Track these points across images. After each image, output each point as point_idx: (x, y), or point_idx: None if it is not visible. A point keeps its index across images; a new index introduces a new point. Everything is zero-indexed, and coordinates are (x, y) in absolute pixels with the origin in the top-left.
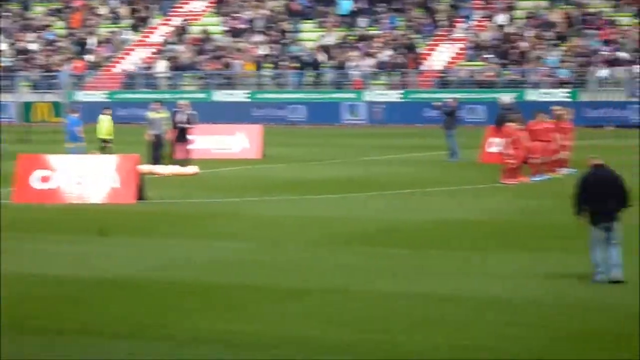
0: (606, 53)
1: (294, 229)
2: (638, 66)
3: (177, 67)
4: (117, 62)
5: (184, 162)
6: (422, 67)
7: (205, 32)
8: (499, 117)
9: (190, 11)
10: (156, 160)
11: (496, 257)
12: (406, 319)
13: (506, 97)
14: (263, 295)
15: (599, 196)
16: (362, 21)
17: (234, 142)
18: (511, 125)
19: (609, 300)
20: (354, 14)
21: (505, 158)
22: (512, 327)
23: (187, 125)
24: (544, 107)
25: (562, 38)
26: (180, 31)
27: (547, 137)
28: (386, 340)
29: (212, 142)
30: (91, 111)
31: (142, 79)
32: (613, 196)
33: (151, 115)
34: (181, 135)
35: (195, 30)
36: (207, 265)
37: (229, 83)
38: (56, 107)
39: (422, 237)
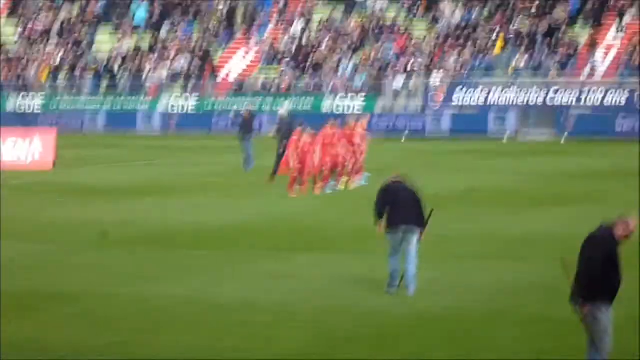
0: (401, 62)
1: (83, 234)
2: (433, 75)
3: None
4: None
5: None
6: (217, 75)
7: None
8: (283, 128)
9: None
10: None
11: (275, 260)
12: (165, 320)
13: (283, 109)
14: (41, 300)
15: (398, 205)
16: (158, 28)
17: (27, 148)
18: (296, 135)
19: (381, 307)
20: (150, 21)
21: (289, 168)
22: (273, 329)
23: None
24: (340, 116)
25: (357, 47)
26: None
27: (339, 146)
28: (135, 340)
29: (3, 147)
30: None
31: None
32: (411, 207)
33: None
34: None
35: None
36: None
37: (23, 89)
38: None
39: (204, 241)
